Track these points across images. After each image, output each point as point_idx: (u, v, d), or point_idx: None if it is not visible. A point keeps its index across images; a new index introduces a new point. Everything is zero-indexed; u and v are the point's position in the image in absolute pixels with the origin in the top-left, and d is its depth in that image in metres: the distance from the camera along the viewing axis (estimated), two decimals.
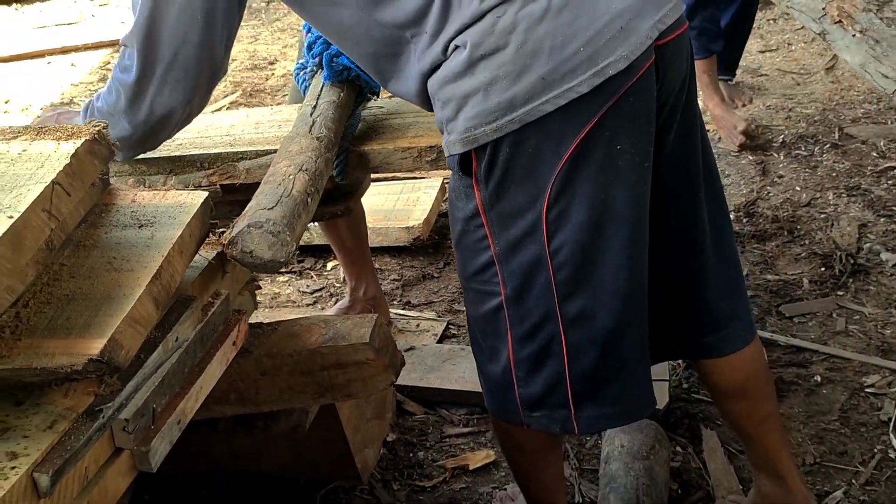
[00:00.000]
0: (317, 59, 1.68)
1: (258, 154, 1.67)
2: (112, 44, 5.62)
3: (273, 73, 4.82)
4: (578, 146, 1.28)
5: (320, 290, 2.91)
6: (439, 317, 2.69)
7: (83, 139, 1.16)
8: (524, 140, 1.29)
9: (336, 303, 2.69)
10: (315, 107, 1.56)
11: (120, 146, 1.44)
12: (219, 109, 4.45)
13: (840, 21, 2.00)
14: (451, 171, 1.39)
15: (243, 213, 1.28)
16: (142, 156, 1.66)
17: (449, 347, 2.48)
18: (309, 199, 1.33)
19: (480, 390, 1.55)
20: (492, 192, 1.33)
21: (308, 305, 2.83)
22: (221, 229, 1.35)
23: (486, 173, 1.32)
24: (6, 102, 4.85)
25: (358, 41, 1.38)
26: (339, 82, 1.66)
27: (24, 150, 1.17)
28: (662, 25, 1.30)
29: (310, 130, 1.49)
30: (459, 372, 2.31)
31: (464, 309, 2.72)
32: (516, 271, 1.36)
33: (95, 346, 1.05)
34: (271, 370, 1.49)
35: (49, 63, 5.40)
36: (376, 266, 2.84)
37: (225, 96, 4.60)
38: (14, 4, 7.02)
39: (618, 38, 1.26)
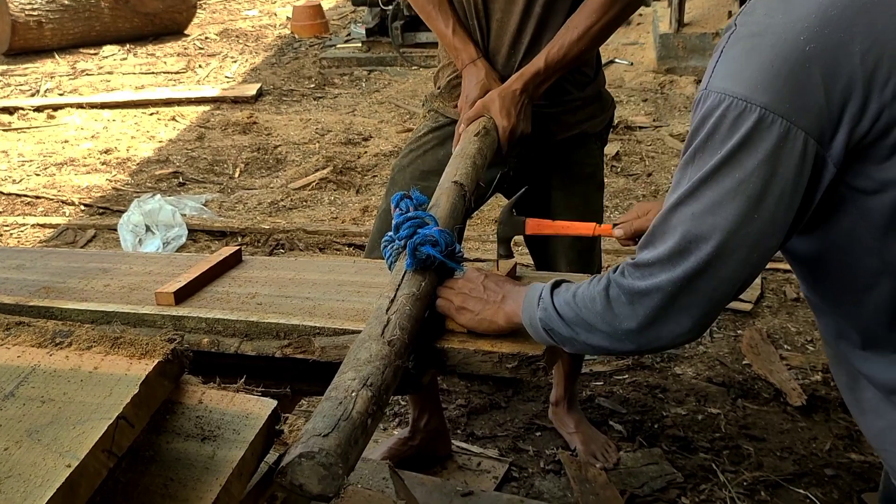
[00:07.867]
0: (402, 243, 1.64)
1: (335, 332, 1.63)
2: (213, 100, 5.76)
3: (366, 152, 4.81)
4: None
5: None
6: (502, 455, 2.62)
7: (155, 361, 1.14)
8: None
9: (398, 424, 2.65)
10: (393, 301, 1.52)
11: (570, 347, 1.36)
12: (308, 184, 4.49)
13: None
14: None
15: (298, 436, 1.24)
16: (219, 315, 1.64)
17: (508, 498, 2.40)
18: (369, 421, 1.28)
19: None
20: None
21: None
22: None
23: None
24: (105, 152, 4.97)
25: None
26: (422, 269, 1.61)
27: (96, 369, 1.15)
28: None
29: (382, 332, 1.44)
30: None
31: (527, 448, 2.69)
32: None
33: None
34: None
35: (153, 114, 5.56)
36: (445, 387, 2.79)
37: (316, 170, 4.62)
38: (127, 45, 7.30)
39: None
